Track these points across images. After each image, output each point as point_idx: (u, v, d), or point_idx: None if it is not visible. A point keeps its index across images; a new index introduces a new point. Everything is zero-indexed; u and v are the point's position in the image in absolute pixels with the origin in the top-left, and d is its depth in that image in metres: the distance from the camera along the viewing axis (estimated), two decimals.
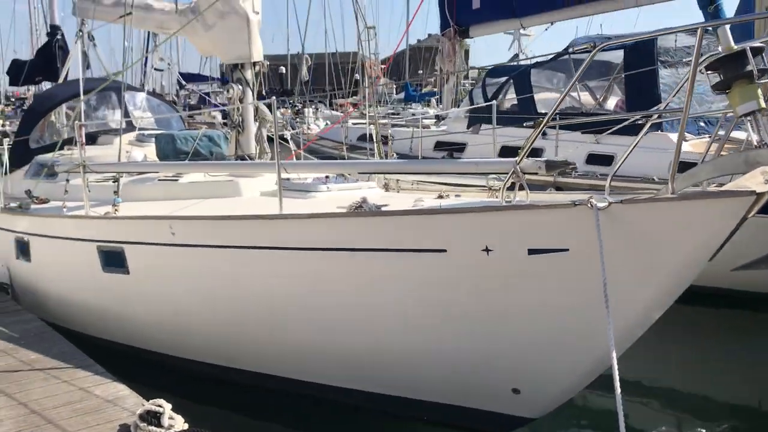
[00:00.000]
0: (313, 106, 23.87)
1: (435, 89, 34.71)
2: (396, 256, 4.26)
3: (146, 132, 8.58)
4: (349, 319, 4.63)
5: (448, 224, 4.06)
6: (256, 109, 6.99)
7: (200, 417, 3.97)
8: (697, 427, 5.47)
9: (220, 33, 6.94)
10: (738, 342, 7.11)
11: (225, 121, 7.22)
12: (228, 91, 6.93)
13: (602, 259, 3.45)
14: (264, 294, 4.94)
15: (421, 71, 49.69)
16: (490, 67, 12.18)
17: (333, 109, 33.94)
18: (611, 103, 10.27)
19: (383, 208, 4.58)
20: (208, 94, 33.48)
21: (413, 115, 31.15)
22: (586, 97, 10.79)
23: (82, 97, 6.92)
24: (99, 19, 7.67)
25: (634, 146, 4.58)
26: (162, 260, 5.43)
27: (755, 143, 3.49)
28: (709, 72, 3.62)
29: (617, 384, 3.15)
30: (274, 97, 5.15)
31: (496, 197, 5.78)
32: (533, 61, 11.08)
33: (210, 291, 5.22)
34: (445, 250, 4.10)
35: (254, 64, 6.97)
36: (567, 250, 3.81)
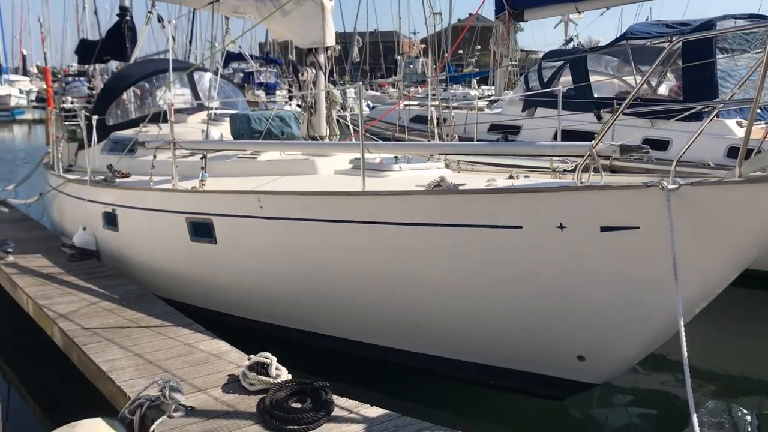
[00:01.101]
0: (366, 86, 24.13)
1: (476, 70, 34.70)
2: (474, 232, 4.62)
3: (218, 111, 9.04)
4: (428, 290, 5.01)
5: (526, 202, 4.40)
6: (328, 93, 7.37)
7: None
8: (750, 406, 5.74)
9: (297, 19, 7.32)
10: None
11: (270, 99, 7.53)
12: (302, 75, 7.31)
13: (672, 237, 3.77)
14: (347, 266, 5.34)
15: (461, 51, 49.56)
16: (544, 52, 12.35)
17: (375, 90, 34.23)
18: (663, 88, 10.41)
19: (460, 188, 4.94)
20: (251, 73, 34.04)
21: (455, 96, 31.36)
22: (635, 82, 10.92)
23: (170, 77, 7.37)
24: (186, 5, 8.09)
25: (698, 135, 4.84)
26: (249, 231, 5.87)
27: None
28: None
29: (684, 352, 3.48)
30: (360, 83, 5.51)
31: (560, 178, 6.12)
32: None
33: (294, 261, 5.65)
34: (521, 227, 4.45)
35: (327, 48, 7.34)
36: (638, 227, 4.13)
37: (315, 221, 5.35)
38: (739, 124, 9.04)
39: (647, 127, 9.35)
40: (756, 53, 9.19)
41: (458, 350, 5.15)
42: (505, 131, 11.07)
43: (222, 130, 8.30)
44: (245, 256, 6.01)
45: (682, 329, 3.60)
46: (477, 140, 10.87)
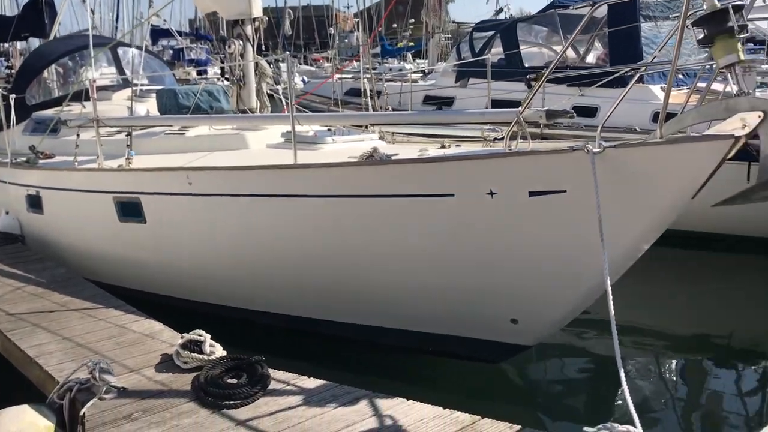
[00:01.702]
0: (298, 60, 23.81)
1: (411, 43, 34.75)
2: (407, 202, 4.64)
3: (144, 87, 8.77)
4: (363, 261, 5.02)
5: (456, 171, 4.44)
6: (257, 65, 7.23)
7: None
8: (675, 360, 6.01)
9: None
10: (713, 281, 7.67)
11: (203, 77, 7.39)
12: (229, 47, 7.14)
13: (597, 198, 3.85)
14: (278, 240, 5.29)
15: (395, 25, 49.38)
16: (477, 23, 12.41)
17: (309, 65, 33.82)
18: (592, 56, 10.64)
19: (392, 158, 4.94)
20: (181, 49, 33.10)
21: (390, 70, 31.31)
22: (568, 51, 11.12)
23: (92, 53, 7.09)
24: None
25: (622, 98, 4.97)
26: (179, 209, 5.75)
27: (735, 92, 3.89)
28: (694, 27, 3.98)
29: (611, 309, 3.56)
30: (287, 53, 5.41)
31: (491, 146, 6.19)
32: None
33: (226, 238, 5.56)
34: (453, 195, 4.49)
35: (254, 19, 7.18)
36: (565, 191, 4.21)
37: (245, 197, 5.27)
38: (663, 90, 9.31)
39: (576, 94, 9.54)
40: (675, 18, 9.46)
41: (394, 319, 5.19)
42: (439, 102, 11.12)
43: (148, 107, 8.06)
44: (176, 234, 5.88)
45: (609, 289, 3.68)
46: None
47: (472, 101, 10.58)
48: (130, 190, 6.01)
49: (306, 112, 11.38)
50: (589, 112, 9.24)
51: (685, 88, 9.59)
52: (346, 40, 39.62)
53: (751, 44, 12.88)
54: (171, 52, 34.01)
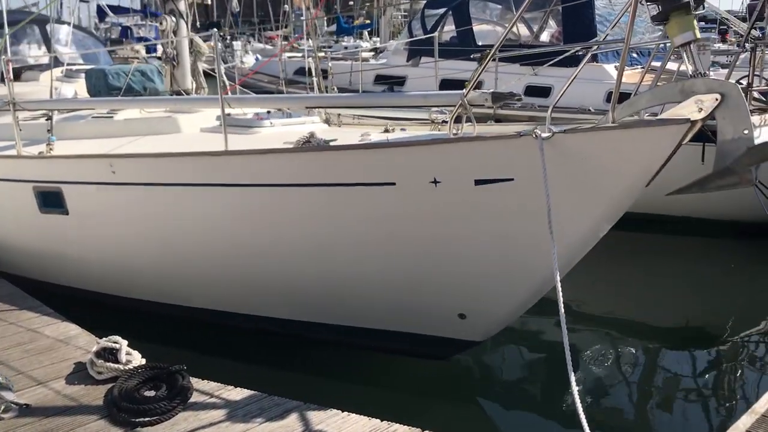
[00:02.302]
0: (245, 39, 23.13)
1: (367, 21, 34.25)
2: (346, 191, 4.30)
3: (74, 67, 8.22)
4: (298, 253, 4.68)
5: (397, 158, 4.11)
6: (191, 42, 6.77)
7: (155, 355, 3.98)
8: (631, 345, 5.83)
9: None
10: (668, 264, 7.54)
11: (153, 55, 6.96)
12: (161, 24, 6.66)
13: (546, 187, 3.59)
14: (209, 232, 4.92)
15: (351, 2, 48.66)
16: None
17: (264, 43, 33.05)
18: (546, 35, 10.40)
19: (331, 143, 4.58)
20: (129, 27, 31.99)
21: (346, 48, 30.77)
22: (522, 30, 10.85)
23: (6, 30, 6.54)
24: None
25: (573, 78, 4.71)
26: (102, 200, 5.31)
27: (690, 73, 3.64)
28: (648, 3, 3.71)
29: (561, 304, 3.35)
30: (215, 29, 5.00)
31: (440, 130, 5.87)
32: None
33: (154, 230, 5.16)
34: (394, 183, 4.17)
35: None
36: (512, 179, 3.93)
37: (172, 186, 4.86)
38: (617, 69, 9.13)
39: (529, 74, 9.29)
40: None
41: (333, 315, 4.88)
42: (391, 82, 10.78)
43: (77, 88, 7.53)
44: (100, 226, 5.45)
45: (558, 284, 3.45)
46: (361, 92, 10.53)
47: (424, 80, 10.27)
48: (51, 179, 5.54)
49: (249, 93, 10.94)
50: (543, 92, 9.00)
51: (639, 67, 9.43)
52: (302, 18, 38.79)
53: (703, 23, 12.82)
54: (119, 29, 32.88)
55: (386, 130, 5.33)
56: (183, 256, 5.15)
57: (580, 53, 9.00)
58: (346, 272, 4.63)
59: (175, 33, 6.71)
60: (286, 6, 33.55)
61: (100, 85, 7.00)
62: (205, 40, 7.24)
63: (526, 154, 3.77)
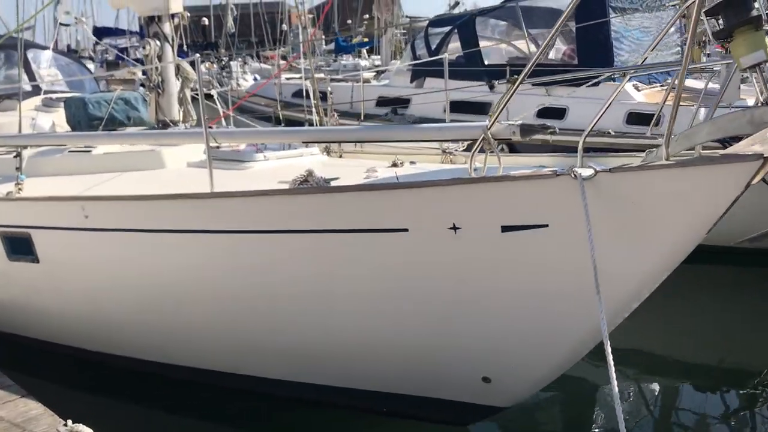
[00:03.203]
0: (241, 60, 22.65)
1: (366, 40, 33.89)
2: (350, 238, 3.71)
3: (54, 96, 7.65)
4: (298, 309, 4.08)
5: (409, 200, 3.52)
6: (178, 68, 6.21)
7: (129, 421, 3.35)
8: (685, 392, 5.17)
9: None
10: (708, 296, 6.81)
11: (143, 79, 6.42)
12: (144, 48, 6.10)
13: (590, 236, 3.02)
14: (194, 283, 4.33)
15: (350, 21, 48.36)
16: (432, 18, 11.52)
17: (261, 62, 32.65)
18: (553, 53, 9.81)
19: (332, 183, 3.99)
20: (125, 49, 31.59)
21: (345, 66, 30.30)
22: (523, 46, 10.27)
23: None
24: None
25: (609, 104, 4.14)
26: (75, 247, 4.73)
27: (761, 100, 3.05)
28: (708, 18, 3.14)
29: (612, 372, 2.81)
30: (197, 55, 4.44)
31: (451, 160, 5.29)
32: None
33: (131, 281, 4.57)
34: (406, 230, 3.57)
35: (173, 16, 6.16)
36: (546, 226, 3.34)
37: (150, 232, 4.27)
38: (636, 88, 8.56)
39: (542, 94, 8.73)
40: (664, 9, 8.70)
41: (338, 377, 4.26)
42: (394, 104, 10.22)
43: (56, 118, 6.96)
44: (73, 276, 4.85)
45: (608, 345, 2.90)
46: (363, 115, 9.98)
47: (429, 103, 9.71)
48: (19, 223, 4.95)
49: (243, 119, 10.38)
50: (557, 114, 8.42)
51: (658, 85, 8.87)
52: (300, 37, 38.48)
53: None
54: (116, 51, 32.51)
55: (394, 164, 4.73)
56: (163, 310, 4.55)
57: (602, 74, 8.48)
58: (349, 330, 4.02)
59: (159, 58, 6.15)
60: (284, 25, 33.21)
61: (79, 116, 6.43)
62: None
63: (564, 197, 3.19)
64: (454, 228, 3.46)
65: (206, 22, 36.33)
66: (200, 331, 4.53)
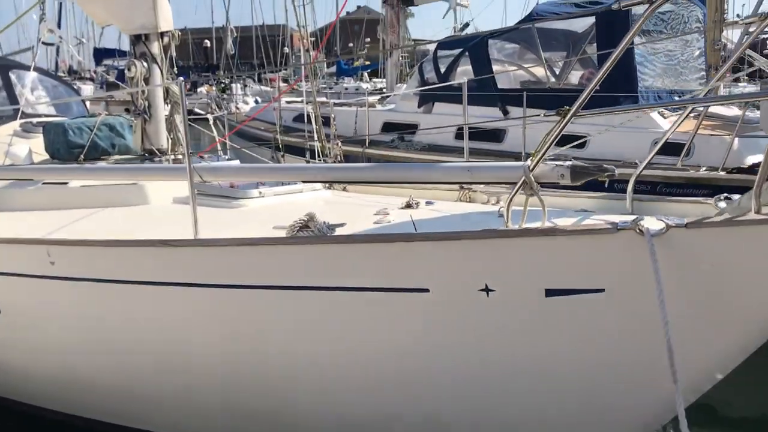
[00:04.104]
0: (242, 83, 22.19)
1: (367, 63, 33.51)
2: (358, 298, 3.09)
3: (35, 120, 7.06)
4: (291, 374, 3.45)
5: (432, 256, 2.90)
6: (167, 91, 5.63)
7: None
8: None
9: None
10: None
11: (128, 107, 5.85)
12: (129, 69, 5.52)
13: (662, 305, 2.42)
14: (175, 343, 3.70)
15: (351, 44, 48.10)
16: (442, 40, 10.99)
17: (262, 85, 32.32)
18: (574, 76, 9.24)
19: (338, 230, 3.37)
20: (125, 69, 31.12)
21: (346, 89, 29.81)
22: (542, 72, 9.70)
23: None
24: None
25: (665, 138, 3.54)
26: (40, 297, 4.10)
27: None
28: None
29: None
30: (181, 78, 3.86)
31: (470, 197, 4.66)
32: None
33: (103, 335, 3.95)
34: (427, 290, 2.96)
35: (162, 34, 5.59)
36: (602, 291, 2.72)
37: (125, 284, 3.65)
38: (662, 115, 7.97)
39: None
40: (690, 32, 8.14)
41: None
42: (401, 130, 9.64)
43: (34, 144, 6.36)
44: (39, 329, 4.22)
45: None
46: (368, 142, 9.40)
47: (439, 128, 9.13)
48: None
49: (240, 144, 9.81)
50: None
51: (681, 112, 8.28)
52: (302, 60, 38.37)
53: None
54: (116, 72, 32.18)
55: (408, 205, 4.10)
56: (139, 370, 3.92)
57: (622, 98, 7.90)
58: (353, 406, 3.39)
59: (147, 81, 5.57)
60: (286, 48, 32.87)
61: (58, 143, 5.83)
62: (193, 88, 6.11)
63: (626, 257, 2.59)
64: (486, 290, 2.84)
65: (208, 44, 36.08)
66: (182, 396, 3.89)
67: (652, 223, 2.55)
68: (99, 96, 19.41)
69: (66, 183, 5.20)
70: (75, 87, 10.63)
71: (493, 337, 2.93)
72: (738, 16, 13.58)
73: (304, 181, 4.24)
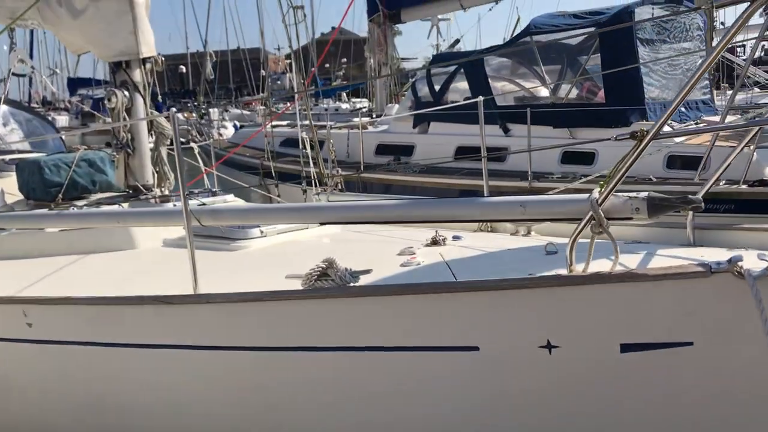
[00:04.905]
0: (223, 108, 21.70)
1: (345, 83, 33.22)
2: (393, 360, 2.64)
3: (8, 157, 6.55)
4: None
5: (483, 308, 2.46)
6: (151, 123, 5.16)
7: None
8: None
9: (95, 22, 5.07)
10: None
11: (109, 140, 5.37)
12: (110, 100, 5.05)
13: None
14: (174, 410, 3.22)
15: (328, 65, 47.82)
16: (418, 59, 10.60)
17: (241, 109, 31.88)
18: (564, 90, 8.87)
19: (362, 278, 2.90)
20: (101, 99, 30.53)
21: (326, 110, 29.38)
22: (541, 87, 9.34)
23: None
24: None
25: (729, 163, 3.13)
26: (18, 361, 3.60)
27: None
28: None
29: None
30: (173, 109, 3.41)
31: (492, 227, 4.22)
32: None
33: (91, 400, 3.46)
34: (477, 348, 2.51)
35: (144, 61, 5.13)
36: (690, 344, 2.29)
37: (114, 347, 3.17)
38: (671, 127, 7.63)
39: (565, 137, 7.77)
40: (692, 39, 7.85)
41: None
42: (396, 152, 9.23)
43: (7, 185, 5.85)
44: (18, 394, 3.72)
45: None
46: (363, 165, 8.95)
47: (437, 148, 8.74)
48: None
49: (228, 169, 9.31)
50: (585, 159, 7.46)
51: (691, 123, 7.96)
52: (279, 82, 38.12)
53: None
54: (91, 102, 31.59)
55: (435, 242, 3.65)
56: None
57: (629, 111, 7.57)
58: None
59: (129, 111, 5.10)
60: (263, 71, 32.48)
61: (33, 182, 5.34)
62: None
63: (722, 303, 2.17)
64: (549, 347, 2.40)
65: (183, 70, 35.54)
66: None
67: (752, 262, 2.13)
68: (78, 128, 18.81)
69: (42, 227, 4.71)
70: (50, 119, 10.11)
71: (556, 402, 2.49)
72: (722, 24, 13.37)
73: (322, 223, 3.78)
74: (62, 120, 31.30)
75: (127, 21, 5.00)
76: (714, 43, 11.08)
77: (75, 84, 36.37)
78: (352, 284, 2.81)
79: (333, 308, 2.71)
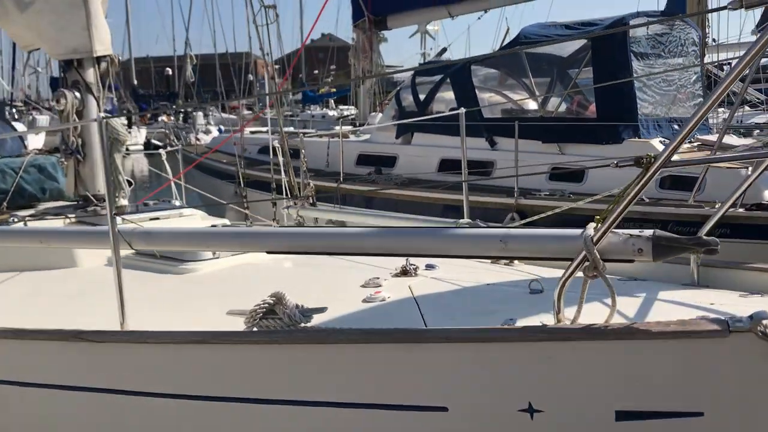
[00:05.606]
0: (204, 111, 21.23)
1: (333, 89, 32.93)
2: (346, 417, 2.22)
3: None
4: None
5: (453, 362, 2.06)
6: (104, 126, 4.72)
7: None
8: None
9: (44, 15, 4.64)
10: None
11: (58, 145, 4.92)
12: (58, 102, 4.62)
13: None
14: None
15: (317, 71, 47.47)
16: (403, 67, 10.24)
17: (228, 113, 31.42)
18: (553, 103, 8.51)
19: (315, 317, 2.48)
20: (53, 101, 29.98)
21: (313, 117, 28.98)
22: (529, 100, 8.98)
23: None
24: None
25: (749, 185, 2.76)
26: None
27: None
28: None
29: None
30: (101, 114, 2.99)
31: (489, 260, 3.78)
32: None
33: None
34: (445, 409, 2.11)
35: (99, 59, 4.71)
36: (701, 414, 1.90)
37: (31, 387, 2.74)
38: (663, 144, 7.28)
39: (554, 152, 7.40)
40: (686, 55, 7.53)
41: None
42: (377, 163, 8.82)
43: None
44: None
45: None
46: (343, 175, 8.52)
47: (419, 160, 8.35)
48: None
49: (203, 176, 8.90)
50: (574, 176, 7.08)
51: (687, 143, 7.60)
52: (266, 88, 37.78)
53: None
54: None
55: (404, 272, 3.23)
56: None
57: (621, 127, 7.21)
58: None
59: (80, 114, 4.67)
60: (250, 75, 32.02)
61: None
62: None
63: (740, 368, 1.78)
64: (530, 410, 2.00)
65: (170, 72, 35.08)
66: None
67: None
68: (36, 128, 18.31)
69: None
70: (31, 119, 9.63)
71: None
72: (714, 41, 13.12)
73: (268, 252, 3.34)
74: (43, 120, 30.67)
75: (80, 16, 4.58)
76: (707, 59, 10.76)
77: (58, 83, 35.80)
78: (302, 324, 2.39)
79: (278, 354, 2.30)
